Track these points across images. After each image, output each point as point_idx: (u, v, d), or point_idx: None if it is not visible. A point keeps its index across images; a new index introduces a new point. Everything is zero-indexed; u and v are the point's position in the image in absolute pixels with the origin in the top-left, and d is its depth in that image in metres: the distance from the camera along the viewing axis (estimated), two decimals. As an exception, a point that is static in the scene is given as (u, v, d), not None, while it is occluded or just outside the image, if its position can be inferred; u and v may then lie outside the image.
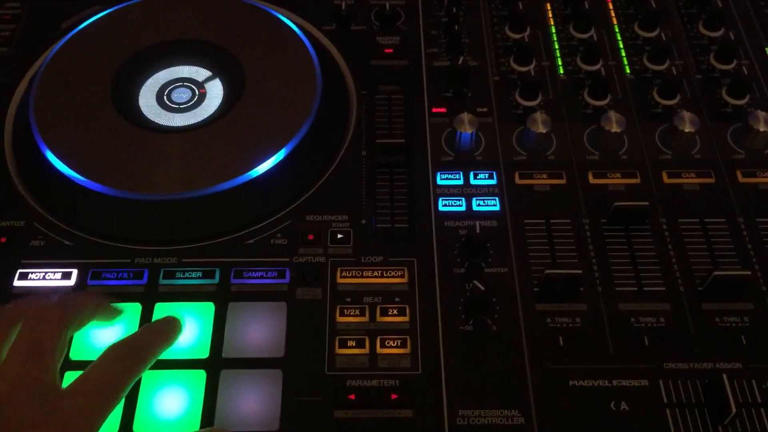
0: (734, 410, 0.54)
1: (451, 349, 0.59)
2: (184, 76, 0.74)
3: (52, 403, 0.45)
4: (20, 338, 0.47)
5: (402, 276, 0.63)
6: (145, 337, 0.54)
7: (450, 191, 0.69)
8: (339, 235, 0.65)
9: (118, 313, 0.58)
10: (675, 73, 0.77)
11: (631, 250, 0.65)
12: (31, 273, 0.62)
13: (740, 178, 0.70)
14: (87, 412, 0.46)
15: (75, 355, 0.58)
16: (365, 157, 0.71)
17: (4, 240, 0.64)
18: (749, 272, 0.61)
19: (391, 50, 0.80)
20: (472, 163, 0.71)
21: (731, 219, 0.67)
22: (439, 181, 0.69)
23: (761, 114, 0.71)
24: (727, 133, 0.74)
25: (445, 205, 0.68)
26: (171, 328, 0.57)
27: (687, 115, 0.71)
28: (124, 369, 0.49)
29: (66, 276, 0.62)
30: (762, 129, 0.71)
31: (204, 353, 0.58)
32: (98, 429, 0.46)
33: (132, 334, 0.54)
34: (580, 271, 0.61)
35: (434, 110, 0.75)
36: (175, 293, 0.61)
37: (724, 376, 0.56)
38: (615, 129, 0.70)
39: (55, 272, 0.62)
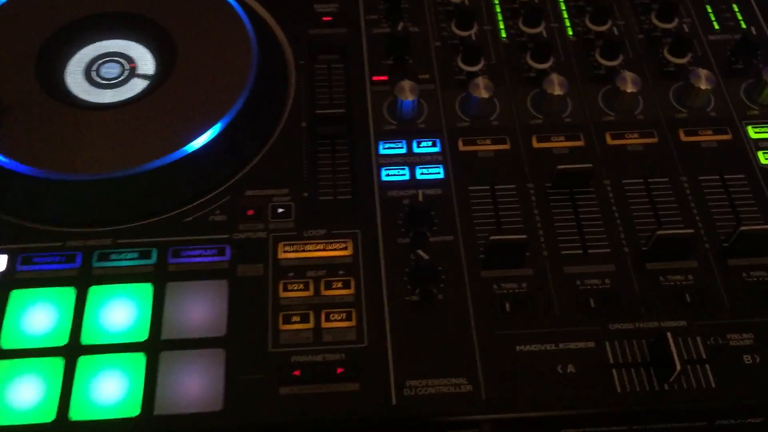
0: (679, 367, 0.55)
1: (397, 321, 0.59)
2: (112, 50, 0.71)
3: None
4: None
5: (345, 248, 0.62)
6: None
7: (393, 160, 0.68)
8: (280, 210, 0.64)
9: None
10: (617, 33, 0.76)
11: (576, 213, 0.65)
12: (-43, 259, 0.59)
13: (682, 137, 0.70)
14: None
15: (6, 344, 0.55)
16: (305, 128, 0.69)
17: (-73, 227, 0.61)
18: (692, 231, 0.61)
19: (329, 18, 0.78)
20: (415, 131, 0.70)
21: (674, 178, 0.67)
22: (381, 151, 0.68)
23: (702, 72, 0.71)
24: (669, 92, 0.74)
25: (388, 175, 0.67)
26: None
27: (629, 75, 0.71)
28: None
29: (-6, 262, 0.59)
30: (703, 87, 0.71)
31: (143, 336, 0.56)
32: None
33: None
34: (525, 236, 0.60)
35: (375, 78, 0.73)
36: (110, 276, 0.59)
37: (669, 333, 0.56)
38: (558, 92, 0.70)
39: (-18, 258, 0.59)
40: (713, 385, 0.56)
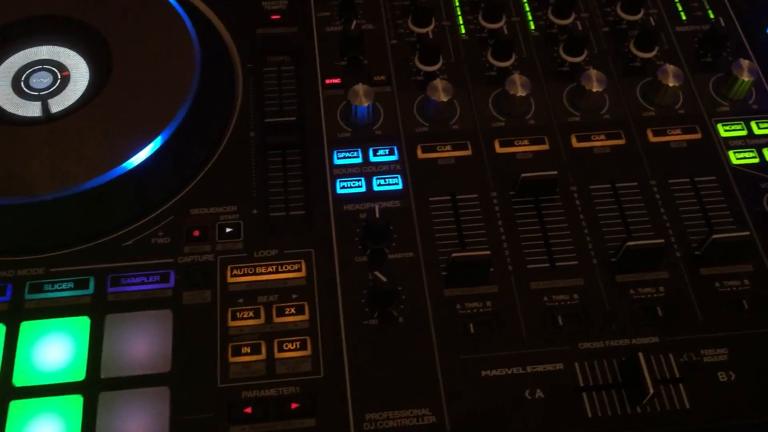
0: (652, 391, 0.52)
1: (355, 348, 0.55)
2: (43, 57, 0.66)
3: None
4: None
5: (299, 270, 0.58)
6: None
7: (348, 171, 0.64)
8: (228, 229, 0.60)
9: None
10: (581, 27, 0.73)
11: (541, 224, 0.62)
12: None
13: (651, 137, 0.67)
14: None
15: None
16: (254, 138, 0.65)
17: None
18: (662, 240, 0.58)
19: (278, 16, 0.73)
20: (371, 138, 0.66)
21: (643, 182, 0.64)
22: (336, 161, 0.64)
23: (670, 68, 0.68)
24: (636, 89, 0.70)
25: (343, 187, 0.63)
26: None
27: (594, 73, 0.67)
28: None
29: None
30: (671, 84, 0.68)
31: (80, 375, 0.52)
32: None
33: None
34: (488, 253, 0.57)
35: (328, 81, 0.69)
36: (43, 309, 0.55)
37: (640, 354, 0.53)
38: (520, 93, 0.66)
39: None
40: (687, 405, 0.54)
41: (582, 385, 0.54)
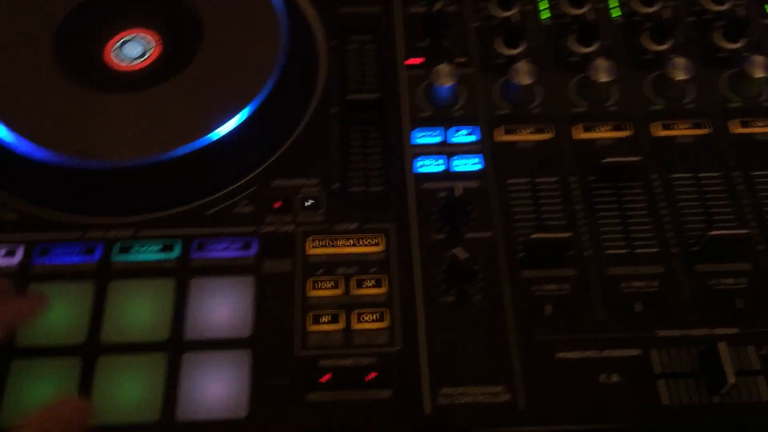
0: (732, 380, 0.51)
1: (431, 323, 0.56)
2: (135, 29, 0.68)
3: None
4: None
5: (378, 244, 0.59)
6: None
7: (428, 150, 0.64)
8: (309, 201, 0.61)
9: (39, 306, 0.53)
10: (666, 15, 0.72)
11: (621, 210, 0.61)
12: (-28, 248, 0.57)
13: (735, 129, 0.66)
14: None
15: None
16: (336, 114, 0.66)
17: (-62, 213, 0.58)
18: (746, 231, 0.58)
19: (362, -5, 0.73)
20: (452, 118, 0.66)
21: (726, 173, 0.63)
22: (416, 140, 0.65)
23: (758, 59, 0.67)
24: (721, 79, 0.69)
25: (422, 166, 0.63)
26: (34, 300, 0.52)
27: (680, 61, 0.66)
28: None
29: (10, 253, 0.57)
30: (758, 75, 0.66)
31: (165, 335, 0.54)
32: None
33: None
34: (568, 234, 0.57)
35: (410, 61, 0.69)
36: (131, 270, 0.56)
37: (720, 344, 0.53)
38: (603, 78, 0.65)
39: (-2, 247, 0.57)
40: (766, 398, 0.53)
41: (658, 372, 0.54)
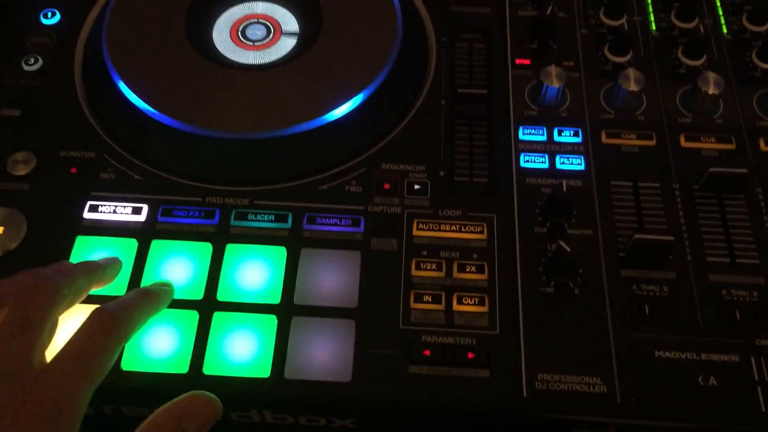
0: (833, 393, 0.51)
1: (530, 311, 0.57)
2: (259, 12, 0.71)
3: (30, 381, 0.42)
4: (8, 315, 0.45)
5: (481, 232, 0.60)
6: (133, 303, 0.50)
7: (533, 147, 0.66)
8: (416, 186, 0.63)
9: (116, 271, 0.55)
10: (777, 34, 0.72)
11: (723, 220, 0.62)
12: (101, 206, 0.60)
13: None
14: (67, 385, 0.42)
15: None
16: (444, 106, 0.68)
17: (74, 170, 0.62)
18: None
19: (474, -4, 0.76)
20: (557, 119, 0.67)
21: (833, 193, 0.63)
22: (521, 136, 0.66)
23: None
24: (831, 100, 0.69)
25: (527, 161, 0.65)
26: (162, 295, 0.53)
27: (790, 79, 0.67)
28: (106, 336, 0.46)
29: (136, 211, 0.60)
30: None
31: (276, 299, 0.56)
32: (85, 398, 0.43)
33: (120, 298, 0.50)
34: (672, 238, 0.58)
35: (518, 62, 0.71)
36: (246, 235, 0.59)
37: (824, 356, 0.53)
38: (712, 91, 0.66)
39: (125, 206, 0.60)
40: None
41: (758, 379, 0.54)
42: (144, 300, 0.51)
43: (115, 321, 0.47)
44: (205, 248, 0.58)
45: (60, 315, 0.49)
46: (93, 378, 0.44)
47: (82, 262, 0.54)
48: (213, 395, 0.46)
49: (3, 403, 0.41)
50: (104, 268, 0.54)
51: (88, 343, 0.45)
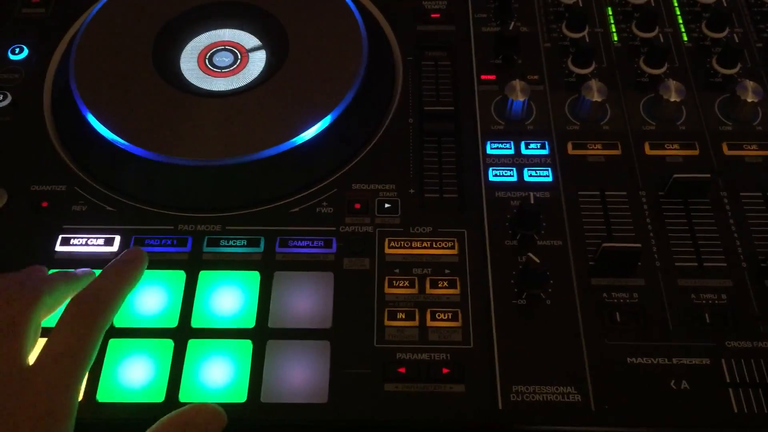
0: (802, 391, 0.52)
1: (503, 324, 0.57)
2: (226, 39, 0.72)
3: (18, 382, 0.42)
4: None
5: (452, 247, 0.61)
6: (106, 283, 0.49)
7: (500, 161, 0.67)
8: (386, 205, 0.63)
9: (90, 278, 0.55)
10: (736, 40, 0.73)
11: (690, 224, 0.63)
12: (73, 238, 0.61)
13: (805, 150, 0.67)
14: (55, 384, 0.43)
15: (118, 322, 0.56)
16: (412, 124, 0.69)
17: (45, 204, 0.62)
18: (816, 248, 0.58)
19: (437, 15, 0.77)
20: (523, 132, 0.68)
21: (795, 193, 0.64)
22: (489, 151, 0.67)
23: (828, 84, 0.68)
24: (790, 103, 0.70)
25: (495, 175, 0.65)
26: (132, 266, 0.52)
27: (750, 84, 0.68)
28: (87, 327, 0.46)
29: (108, 242, 0.60)
30: (828, 100, 0.68)
31: (250, 323, 0.57)
32: (74, 394, 0.43)
33: (94, 283, 0.49)
34: (639, 245, 0.59)
35: (483, 77, 0.72)
36: (219, 261, 0.60)
37: (792, 355, 0.54)
38: (674, 98, 0.67)
39: (97, 238, 0.61)
40: (838, 412, 0.53)
41: (728, 381, 0.55)
42: (118, 278, 0.51)
43: (93, 310, 0.46)
44: (179, 276, 0.58)
45: (42, 320, 0.49)
46: (81, 371, 0.44)
47: (60, 271, 0.54)
48: (220, 408, 0.47)
49: (1, 399, 0.41)
50: (80, 278, 0.54)
51: (71, 339, 0.45)
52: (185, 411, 0.46)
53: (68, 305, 0.47)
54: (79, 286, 0.53)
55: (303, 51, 0.69)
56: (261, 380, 0.54)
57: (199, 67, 0.70)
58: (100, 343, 0.46)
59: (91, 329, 0.46)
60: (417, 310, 0.58)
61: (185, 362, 0.55)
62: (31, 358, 0.45)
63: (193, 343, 0.55)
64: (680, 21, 0.77)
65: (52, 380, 0.43)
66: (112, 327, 0.56)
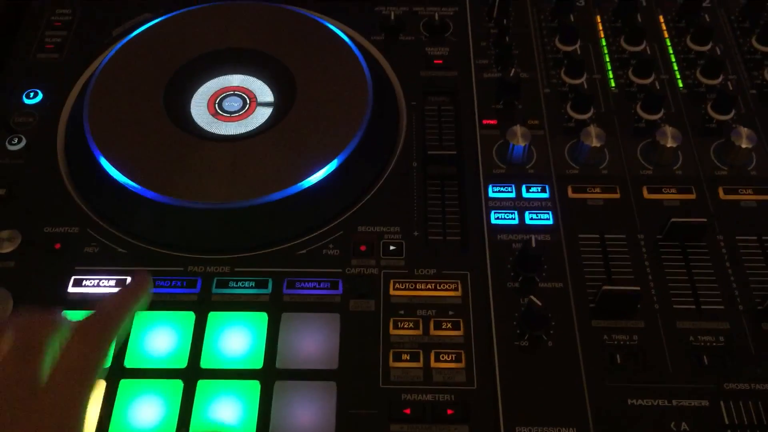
0: (800, 434, 0.53)
1: (506, 365, 0.59)
2: (235, 84, 0.74)
3: (31, 401, 0.45)
4: (14, 345, 0.47)
5: (455, 289, 0.62)
6: (112, 307, 0.52)
7: (502, 204, 0.68)
8: (391, 247, 0.65)
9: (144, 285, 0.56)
10: (730, 87, 0.76)
11: (688, 267, 0.64)
12: (85, 279, 0.62)
13: (800, 195, 0.69)
14: (64, 401, 0.46)
15: (129, 363, 0.58)
16: (416, 168, 0.70)
17: (58, 246, 0.64)
18: (811, 291, 0.60)
19: (440, 61, 0.79)
20: (525, 176, 0.70)
21: (790, 237, 0.66)
22: (491, 194, 0.69)
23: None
24: (784, 148, 0.73)
25: (497, 218, 0.67)
26: (137, 289, 0.54)
27: (744, 130, 0.70)
28: (94, 347, 0.49)
29: (120, 283, 0.62)
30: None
31: (258, 364, 0.58)
32: (84, 407, 0.46)
33: (97, 308, 0.52)
34: (639, 288, 0.60)
35: (485, 122, 0.74)
36: (228, 302, 0.61)
37: (789, 398, 0.55)
38: (670, 144, 0.69)
39: (109, 279, 0.62)
40: (835, 453, 0.54)
41: (727, 422, 0.56)
42: (122, 303, 0.52)
43: (101, 330, 0.49)
44: (188, 317, 0.60)
45: (60, 345, 0.50)
46: (89, 388, 0.47)
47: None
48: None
49: (17, 418, 0.44)
50: None
51: (80, 363, 0.47)
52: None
53: (78, 335, 0.49)
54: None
55: (310, 96, 0.71)
56: (269, 420, 0.55)
57: (209, 112, 0.72)
58: (108, 357, 0.50)
59: (98, 351, 0.49)
60: (421, 352, 0.59)
61: (194, 402, 0.56)
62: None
63: (202, 384, 0.57)
64: (675, 68, 0.79)
65: (59, 400, 0.45)
66: (122, 367, 0.57)
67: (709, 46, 0.81)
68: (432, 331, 0.60)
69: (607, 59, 0.80)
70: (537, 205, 0.68)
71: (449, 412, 0.56)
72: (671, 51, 0.81)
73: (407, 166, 0.71)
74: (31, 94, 0.75)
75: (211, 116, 0.72)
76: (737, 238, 0.66)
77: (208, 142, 0.69)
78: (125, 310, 0.52)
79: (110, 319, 0.50)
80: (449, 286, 0.63)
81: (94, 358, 0.48)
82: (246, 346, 0.59)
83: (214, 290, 0.62)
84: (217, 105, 0.73)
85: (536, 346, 0.60)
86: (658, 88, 0.76)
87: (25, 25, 0.83)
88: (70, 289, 0.62)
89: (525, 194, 0.69)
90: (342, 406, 0.56)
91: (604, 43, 0.82)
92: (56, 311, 0.51)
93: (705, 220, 0.64)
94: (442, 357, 0.59)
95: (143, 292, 0.54)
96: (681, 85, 0.78)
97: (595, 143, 0.69)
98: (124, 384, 0.56)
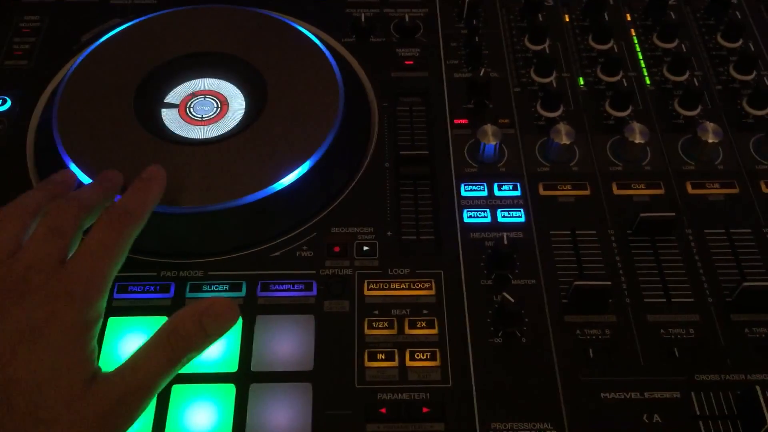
0: (769, 423, 0.54)
1: (481, 362, 0.59)
2: (206, 88, 0.74)
3: (60, 274, 0.50)
4: (41, 225, 0.53)
5: (429, 288, 0.63)
6: (136, 196, 0.58)
7: (474, 203, 0.69)
8: (365, 248, 0.65)
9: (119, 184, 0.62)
10: (696, 83, 0.77)
11: (657, 262, 0.65)
12: (57, 287, 0.61)
13: (764, 189, 0.70)
14: (87, 274, 0.51)
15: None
16: (388, 168, 0.71)
17: (29, 253, 0.63)
18: (776, 282, 0.61)
19: (411, 62, 0.80)
20: (496, 174, 0.71)
21: (757, 229, 0.67)
22: (463, 193, 0.69)
23: (785, 124, 0.71)
24: (749, 143, 0.74)
25: (470, 217, 0.68)
26: (155, 183, 0.60)
27: (710, 126, 0.71)
28: (118, 229, 0.54)
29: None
30: (787, 139, 0.71)
31: (233, 367, 0.58)
32: (105, 287, 0.52)
33: (122, 197, 0.58)
34: (610, 283, 0.61)
35: (456, 122, 0.75)
36: (202, 306, 0.61)
37: (758, 387, 0.56)
38: (639, 140, 0.70)
39: (81, 286, 0.61)
40: (803, 441, 0.55)
41: (698, 413, 0.57)
42: (143, 194, 0.59)
43: (123, 219, 0.55)
44: (162, 322, 0.59)
45: (85, 227, 0.56)
46: (112, 266, 0.53)
47: (98, 182, 0.62)
48: (234, 302, 0.53)
49: (45, 283, 0.49)
50: (115, 189, 0.62)
51: (105, 240, 0.53)
52: (202, 301, 0.52)
53: (102, 214, 0.55)
54: (114, 190, 0.61)
55: (281, 98, 0.71)
56: (245, 424, 0.55)
57: (181, 116, 0.72)
58: (128, 250, 0.55)
59: (122, 233, 0.54)
60: (396, 351, 0.59)
61: (169, 408, 0.56)
62: None
63: (177, 389, 0.56)
64: (643, 65, 0.80)
65: (84, 275, 0.51)
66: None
67: (675, 44, 0.82)
68: (407, 330, 0.60)
69: (577, 58, 0.81)
70: (509, 203, 0.69)
71: (425, 410, 0.56)
72: (638, 48, 0.82)
73: (380, 167, 0.71)
74: (0, 102, 0.74)
75: (182, 120, 0.72)
76: (705, 231, 0.67)
77: (179, 146, 0.68)
78: (146, 201, 0.58)
79: (133, 208, 0.56)
80: (423, 285, 0.63)
81: (118, 243, 0.54)
82: (221, 349, 0.58)
83: (188, 294, 0.61)
84: (188, 109, 0.72)
85: (510, 343, 0.60)
86: (626, 85, 0.77)
87: (-7, 32, 0.82)
88: (42, 297, 0.61)
89: (497, 192, 0.69)
90: (318, 407, 0.56)
91: (572, 42, 0.82)
92: (86, 194, 0.58)
93: (673, 214, 0.65)
94: (417, 356, 0.59)
95: (161, 185, 0.61)
96: (648, 82, 0.79)
97: (565, 141, 0.70)
98: (98, 390, 0.56)
